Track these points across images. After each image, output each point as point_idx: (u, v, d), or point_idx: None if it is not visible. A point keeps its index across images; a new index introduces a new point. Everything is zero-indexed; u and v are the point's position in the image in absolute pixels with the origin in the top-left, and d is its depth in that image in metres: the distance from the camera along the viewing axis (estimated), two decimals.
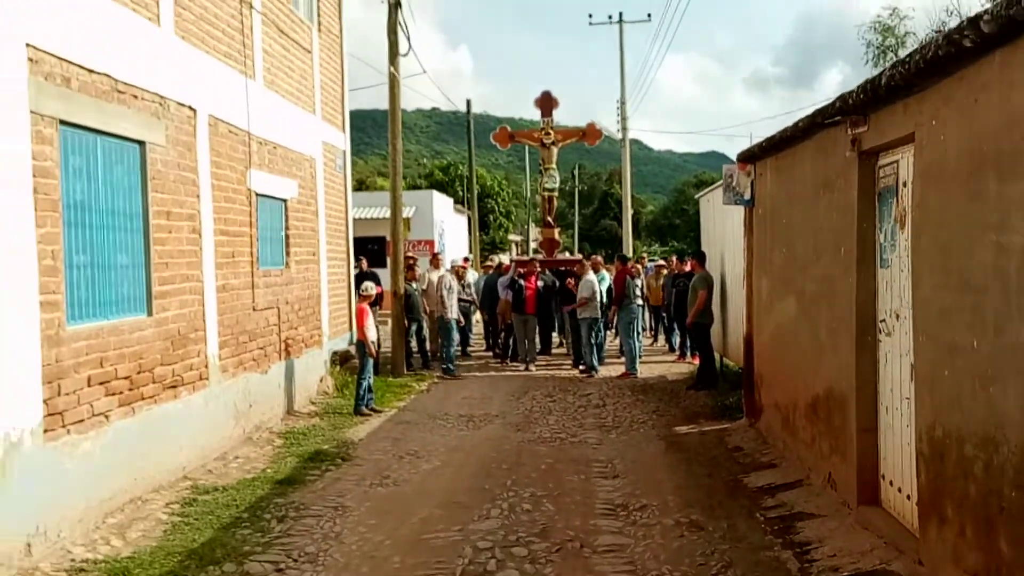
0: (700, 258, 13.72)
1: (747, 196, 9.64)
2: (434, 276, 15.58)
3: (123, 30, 7.10)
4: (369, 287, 11.83)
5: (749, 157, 9.49)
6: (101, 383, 6.63)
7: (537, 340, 16.31)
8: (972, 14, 4.00)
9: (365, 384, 11.31)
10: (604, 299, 14.87)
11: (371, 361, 11.39)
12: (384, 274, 16.74)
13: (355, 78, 14.86)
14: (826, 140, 6.82)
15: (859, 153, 6.08)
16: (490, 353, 17.54)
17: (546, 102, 19.88)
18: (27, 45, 5.79)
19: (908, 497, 5.47)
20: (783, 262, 8.42)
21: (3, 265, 5.49)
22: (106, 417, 6.69)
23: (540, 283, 15.78)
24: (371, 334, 11.35)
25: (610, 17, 32.42)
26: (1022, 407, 3.86)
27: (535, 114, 20.32)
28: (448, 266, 18.03)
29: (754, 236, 9.62)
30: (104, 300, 6.82)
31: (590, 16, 32.89)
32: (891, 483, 5.88)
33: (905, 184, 5.50)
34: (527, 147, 25.85)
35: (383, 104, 15.19)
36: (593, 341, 14.78)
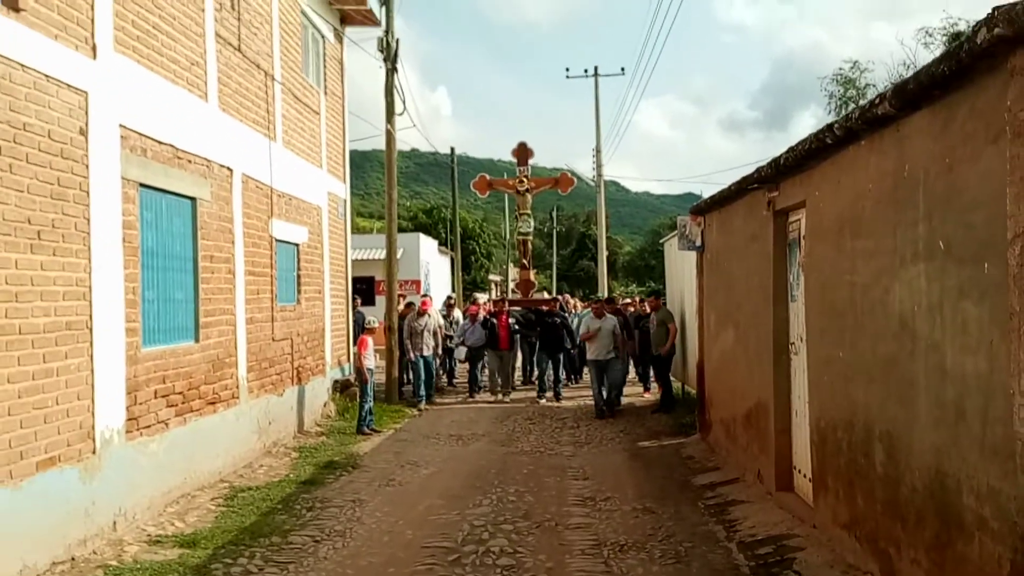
0: (659, 296, 15.42)
1: (698, 243, 11.29)
2: (419, 318, 15.89)
3: (182, 107, 8.70)
4: (373, 321, 13.31)
5: (699, 210, 11.16)
6: (163, 396, 8.12)
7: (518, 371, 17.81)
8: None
9: (366, 407, 12.78)
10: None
11: (371, 386, 12.85)
12: (372, 311, 18.07)
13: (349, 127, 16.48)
14: (753, 200, 8.48)
15: (773, 212, 7.74)
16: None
17: (522, 152, 21.59)
18: (120, 125, 7.36)
19: (809, 479, 7.04)
20: (725, 299, 10.05)
21: (105, 299, 7.01)
22: (166, 424, 8.17)
23: (511, 320, 17.20)
24: (369, 362, 12.83)
25: (586, 71, 34.57)
26: (865, 396, 5.47)
27: (513, 158, 22.02)
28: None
29: (704, 277, 11.27)
30: (166, 328, 8.34)
31: (567, 70, 35.12)
32: (799, 471, 7.47)
33: (804, 238, 7.15)
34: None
35: (361, 146, 16.72)
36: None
